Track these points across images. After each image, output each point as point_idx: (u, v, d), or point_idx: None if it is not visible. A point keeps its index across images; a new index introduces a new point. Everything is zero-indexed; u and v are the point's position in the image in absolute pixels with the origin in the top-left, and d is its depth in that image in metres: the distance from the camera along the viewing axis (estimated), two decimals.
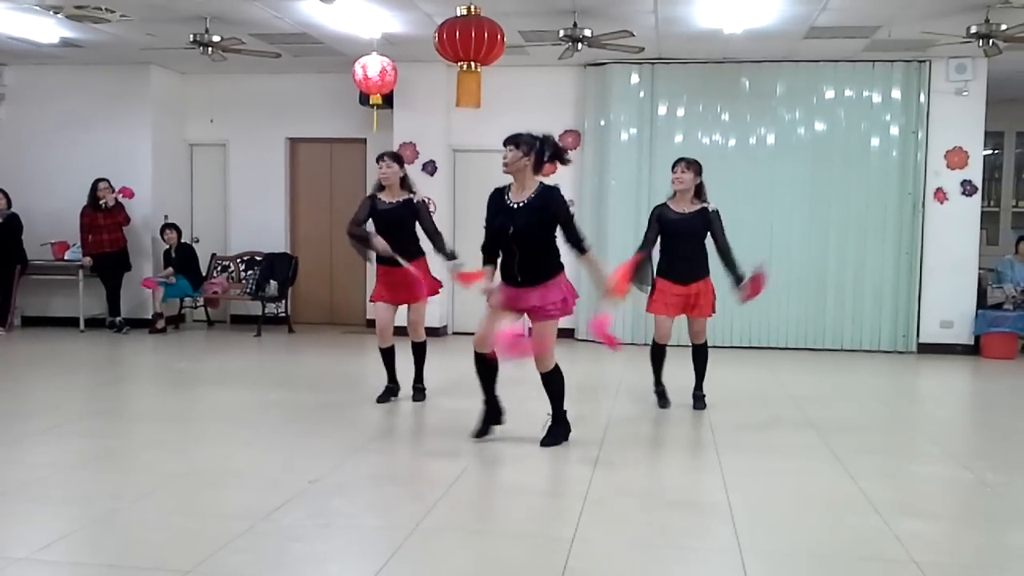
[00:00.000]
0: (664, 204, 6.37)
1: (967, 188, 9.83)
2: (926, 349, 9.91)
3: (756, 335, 10.10)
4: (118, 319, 10.56)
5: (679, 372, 6.72)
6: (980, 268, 10.04)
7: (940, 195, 9.84)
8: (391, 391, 6.69)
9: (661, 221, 6.28)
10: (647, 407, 6.58)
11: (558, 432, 5.41)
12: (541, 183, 5.20)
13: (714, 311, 6.44)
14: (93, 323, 10.74)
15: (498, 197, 5.27)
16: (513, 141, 5.20)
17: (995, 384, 8.50)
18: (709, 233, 6.24)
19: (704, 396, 6.60)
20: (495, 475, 4.89)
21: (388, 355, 6.64)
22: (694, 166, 6.28)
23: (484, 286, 5.28)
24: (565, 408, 5.44)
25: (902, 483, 4.93)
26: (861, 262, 9.95)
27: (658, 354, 6.54)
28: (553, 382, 5.33)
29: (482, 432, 5.45)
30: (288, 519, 3.95)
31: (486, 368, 5.36)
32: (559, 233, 5.18)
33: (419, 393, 6.70)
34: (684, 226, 6.23)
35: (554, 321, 5.21)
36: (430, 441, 5.44)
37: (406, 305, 6.58)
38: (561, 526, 3.93)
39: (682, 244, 6.24)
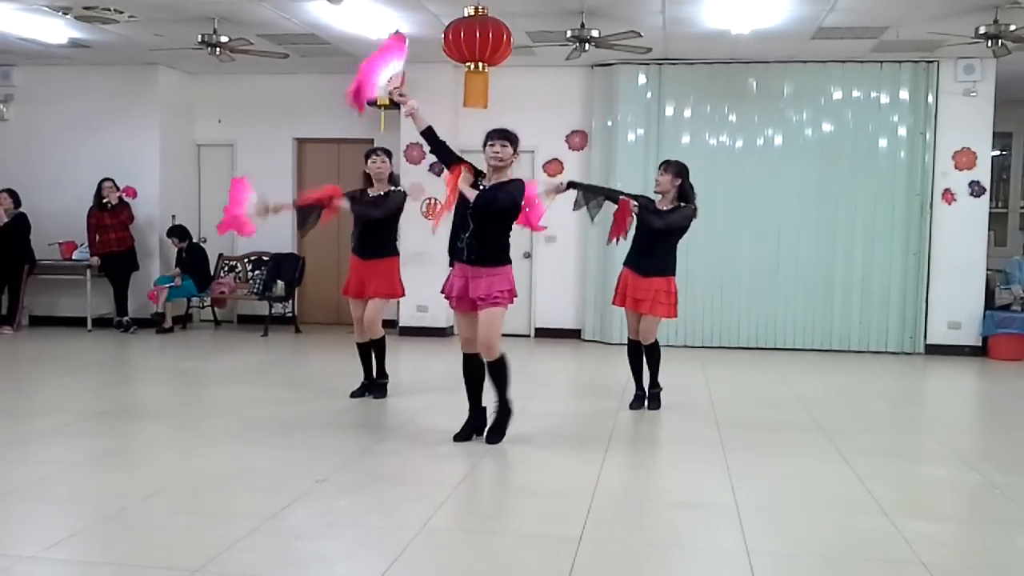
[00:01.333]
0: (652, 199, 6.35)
1: (975, 189, 9.81)
2: (933, 350, 9.88)
3: (763, 336, 10.08)
4: (125, 319, 10.58)
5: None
6: (988, 269, 10.02)
7: (948, 196, 9.82)
8: (366, 387, 6.76)
9: (639, 213, 6.19)
10: (650, 413, 6.57)
11: (503, 424, 5.40)
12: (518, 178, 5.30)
13: (670, 315, 6.27)
14: (100, 323, 10.77)
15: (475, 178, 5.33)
16: (507, 138, 5.26)
17: (1003, 385, 8.48)
18: (680, 229, 6.23)
19: (660, 393, 6.51)
20: (502, 475, 4.88)
21: (364, 350, 6.71)
22: (672, 168, 6.25)
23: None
24: (509, 398, 5.42)
25: (909, 484, 4.92)
26: (869, 263, 9.93)
27: (633, 352, 6.47)
28: (499, 371, 5.31)
29: (463, 437, 5.43)
30: (295, 518, 3.96)
31: (473, 371, 5.41)
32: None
33: (378, 389, 6.73)
34: (648, 219, 6.17)
35: (501, 309, 5.21)
36: (436, 441, 5.44)
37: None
38: (568, 526, 3.93)
39: (649, 238, 6.21)
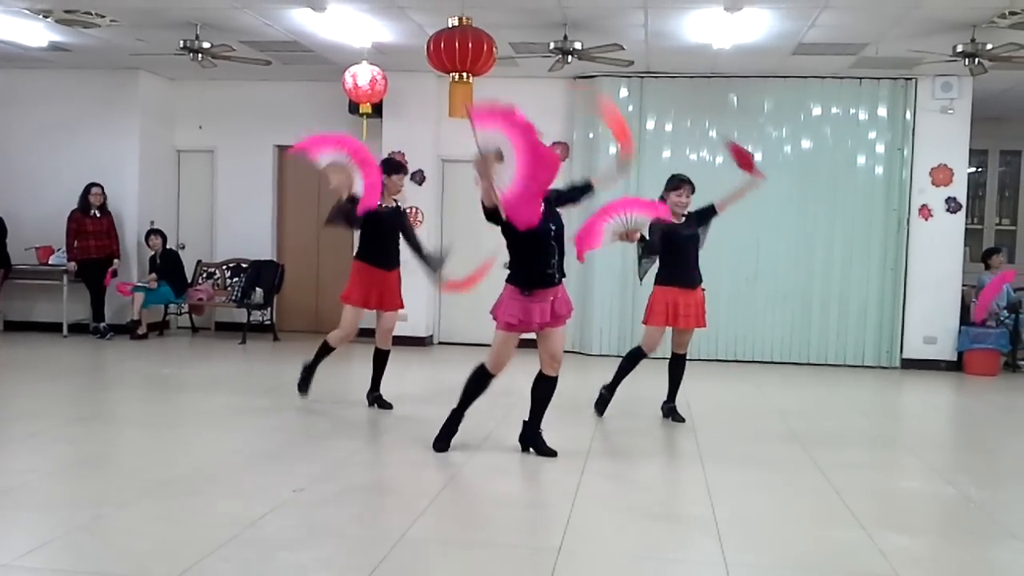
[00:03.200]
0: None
1: (951, 205, 9.91)
2: (909, 365, 9.97)
3: (741, 349, 10.14)
4: (102, 325, 10.50)
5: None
6: (964, 285, 10.13)
7: (925, 212, 9.92)
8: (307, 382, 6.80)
9: (668, 234, 6.25)
10: (632, 419, 6.59)
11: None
12: None
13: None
14: (77, 328, 10.67)
15: None
16: None
17: (978, 400, 8.55)
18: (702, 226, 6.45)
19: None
20: (481, 485, 4.88)
21: (329, 353, 6.72)
22: (692, 186, 6.37)
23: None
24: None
25: (886, 497, 4.95)
26: (846, 277, 10.01)
27: (638, 361, 6.52)
28: (552, 389, 5.46)
29: (446, 447, 5.41)
30: (273, 528, 3.94)
31: (484, 389, 5.40)
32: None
33: (385, 402, 6.73)
34: (687, 233, 6.32)
35: None
36: (416, 451, 5.43)
37: (375, 311, 6.65)
38: (547, 537, 3.93)
39: (689, 251, 6.37)
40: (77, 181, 10.43)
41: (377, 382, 6.76)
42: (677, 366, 6.61)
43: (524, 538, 3.99)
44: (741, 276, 10.06)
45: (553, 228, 5.16)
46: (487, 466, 5.19)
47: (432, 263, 6.36)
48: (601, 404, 6.64)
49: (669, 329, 6.45)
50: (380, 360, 6.72)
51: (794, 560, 3.82)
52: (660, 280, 6.40)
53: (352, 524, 4.11)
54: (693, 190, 6.35)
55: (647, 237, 6.13)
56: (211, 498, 4.43)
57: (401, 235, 6.51)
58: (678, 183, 6.36)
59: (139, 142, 10.79)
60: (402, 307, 6.70)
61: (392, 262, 6.54)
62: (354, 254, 6.61)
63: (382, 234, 6.46)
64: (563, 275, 5.30)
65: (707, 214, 6.44)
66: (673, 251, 6.33)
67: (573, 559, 3.69)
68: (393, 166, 6.61)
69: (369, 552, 3.69)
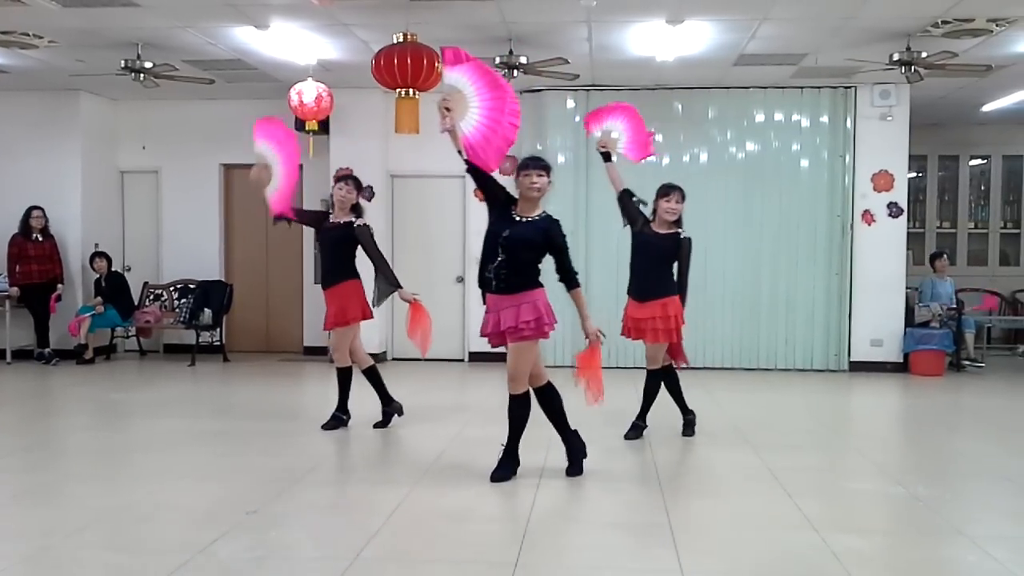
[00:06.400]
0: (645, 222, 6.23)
1: (893, 210, 10.13)
2: (857, 367, 10.13)
3: (691, 355, 10.11)
4: (47, 350, 10.29)
5: (623, 394, 6.77)
6: (907, 288, 10.34)
7: (868, 217, 10.12)
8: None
9: (634, 235, 6.19)
10: (585, 431, 6.59)
11: (508, 465, 5.22)
12: (544, 210, 5.15)
13: (673, 339, 6.31)
14: (21, 355, 10.46)
15: (504, 207, 5.12)
16: (545, 168, 5.17)
17: (924, 401, 8.71)
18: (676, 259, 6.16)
19: (644, 428, 6.50)
20: (435, 502, 4.85)
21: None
22: (681, 193, 6.14)
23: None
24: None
25: (837, 500, 5.02)
26: (793, 282, 10.16)
27: (668, 381, 6.50)
28: (514, 409, 5.13)
29: (505, 477, 5.18)
30: (226, 552, 3.88)
31: (527, 411, 5.17)
32: (550, 264, 5.06)
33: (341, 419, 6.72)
34: (654, 245, 6.11)
35: (528, 343, 4.96)
36: (369, 470, 5.39)
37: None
38: (503, 552, 3.92)
39: (645, 261, 6.16)
40: (18, 205, 10.24)
41: (383, 395, 6.77)
42: (662, 384, 6.51)
43: (480, 553, 3.98)
44: (690, 281, 10.10)
45: (506, 233, 4.97)
46: (441, 483, 5.16)
47: (379, 291, 6.36)
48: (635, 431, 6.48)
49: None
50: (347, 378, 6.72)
51: (749, 565, 3.85)
52: (628, 287, 6.31)
53: (306, 545, 4.08)
54: (683, 197, 6.12)
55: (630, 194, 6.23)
56: (162, 524, 4.36)
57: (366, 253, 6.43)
58: (667, 190, 6.13)
59: (81, 164, 10.62)
60: (348, 323, 6.49)
61: (327, 279, 6.50)
62: None
63: (322, 250, 6.57)
64: (508, 286, 4.95)
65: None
66: (633, 253, 6.19)
67: (529, 573, 3.68)
68: (336, 178, 6.62)
69: (324, 573, 3.66)
